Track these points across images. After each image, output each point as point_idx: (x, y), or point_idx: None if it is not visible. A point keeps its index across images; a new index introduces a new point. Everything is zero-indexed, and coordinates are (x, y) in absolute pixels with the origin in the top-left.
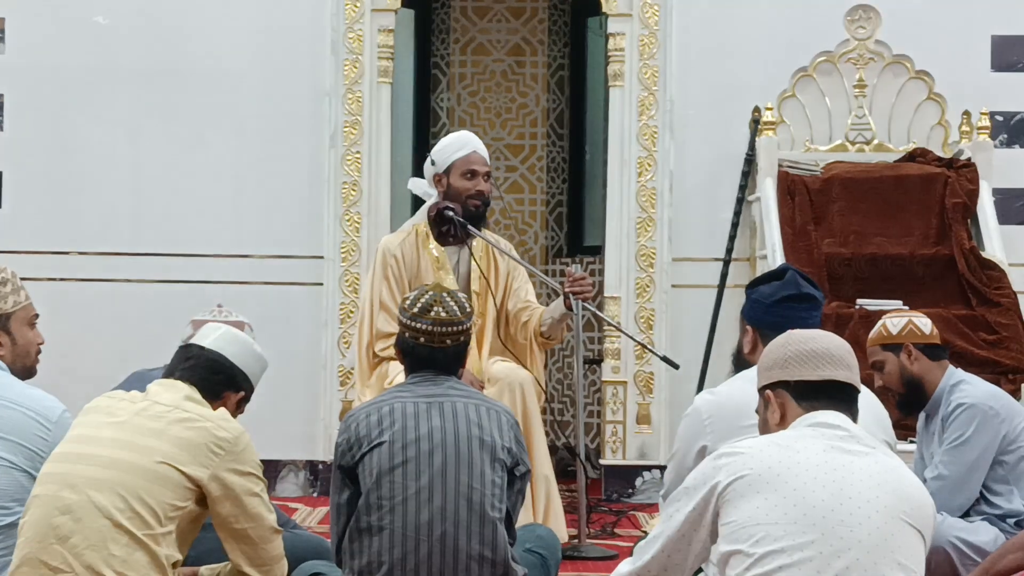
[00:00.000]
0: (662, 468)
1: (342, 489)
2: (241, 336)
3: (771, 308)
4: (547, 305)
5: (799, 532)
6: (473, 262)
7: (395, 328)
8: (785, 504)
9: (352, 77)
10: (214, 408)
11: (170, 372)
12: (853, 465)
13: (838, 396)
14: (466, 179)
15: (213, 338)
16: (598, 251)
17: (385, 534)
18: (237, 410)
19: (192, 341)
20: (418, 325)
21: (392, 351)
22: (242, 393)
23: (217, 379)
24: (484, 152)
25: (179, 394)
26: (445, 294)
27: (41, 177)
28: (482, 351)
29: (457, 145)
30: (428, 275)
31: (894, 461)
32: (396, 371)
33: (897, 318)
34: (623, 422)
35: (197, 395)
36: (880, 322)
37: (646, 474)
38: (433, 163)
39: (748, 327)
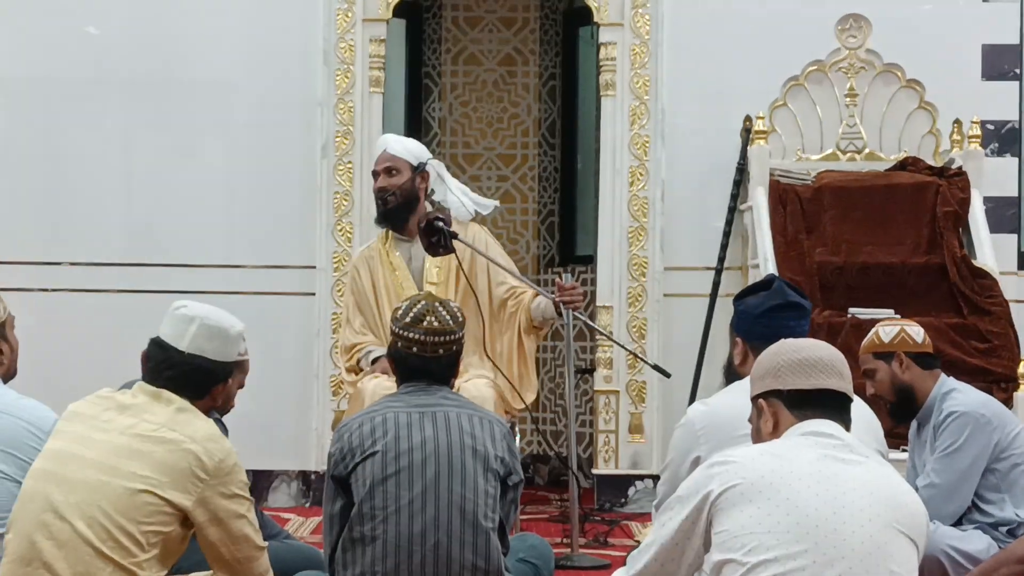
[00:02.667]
0: (655, 477)
1: (335, 499)
2: (216, 328)
3: (759, 319)
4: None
5: (792, 541)
6: (428, 261)
7: (355, 340)
8: (778, 513)
9: (344, 87)
10: (205, 403)
11: (153, 377)
12: (846, 474)
13: (831, 405)
14: (374, 180)
15: (189, 339)
16: (590, 260)
17: (378, 544)
18: (232, 384)
19: (167, 340)
20: (410, 335)
21: (351, 364)
22: (231, 380)
23: (203, 382)
24: (394, 147)
25: (169, 407)
26: (437, 303)
27: (32, 188)
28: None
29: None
30: (386, 279)
31: (887, 470)
32: (368, 392)
33: (890, 326)
34: (615, 431)
35: (187, 405)
36: (873, 330)
37: (639, 483)
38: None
39: (737, 339)
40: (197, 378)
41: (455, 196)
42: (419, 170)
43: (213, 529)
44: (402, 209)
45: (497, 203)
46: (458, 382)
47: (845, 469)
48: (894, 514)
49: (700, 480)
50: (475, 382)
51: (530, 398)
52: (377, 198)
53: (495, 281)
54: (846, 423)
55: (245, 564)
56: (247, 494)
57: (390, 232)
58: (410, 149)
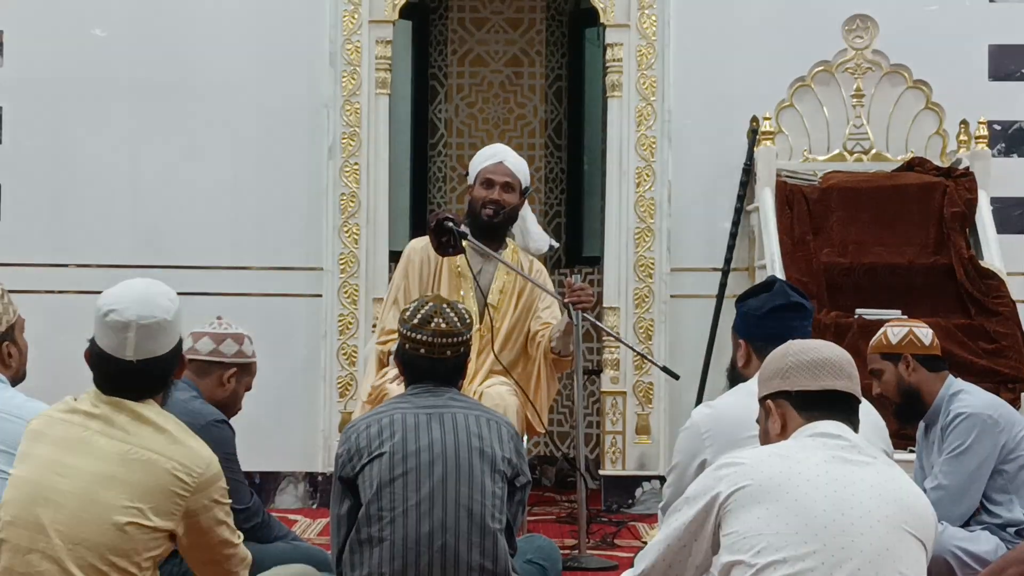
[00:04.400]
0: (662, 479)
1: (342, 500)
2: (154, 325)
3: (762, 320)
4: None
5: (801, 542)
6: (499, 279)
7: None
8: (787, 514)
9: (350, 88)
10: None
11: (106, 387)
12: (855, 475)
13: (839, 406)
14: (483, 188)
15: (133, 347)
16: (597, 262)
17: (385, 545)
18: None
19: (109, 351)
20: (418, 336)
21: (390, 346)
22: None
23: (160, 376)
24: (513, 163)
25: (137, 421)
26: (445, 305)
27: (40, 190)
28: (481, 364)
29: (484, 156)
30: (446, 280)
31: (895, 471)
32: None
33: (898, 327)
34: (622, 433)
35: (153, 412)
36: (881, 330)
37: (646, 484)
38: (466, 174)
39: (740, 340)
40: (154, 378)
41: (536, 228)
42: (525, 194)
43: (194, 536)
44: (502, 227)
45: (556, 243)
46: (479, 387)
47: (853, 470)
48: (903, 515)
49: (708, 481)
50: (497, 388)
51: (540, 425)
52: (483, 206)
53: (535, 314)
54: (854, 424)
55: (224, 563)
56: (226, 498)
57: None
58: (523, 170)
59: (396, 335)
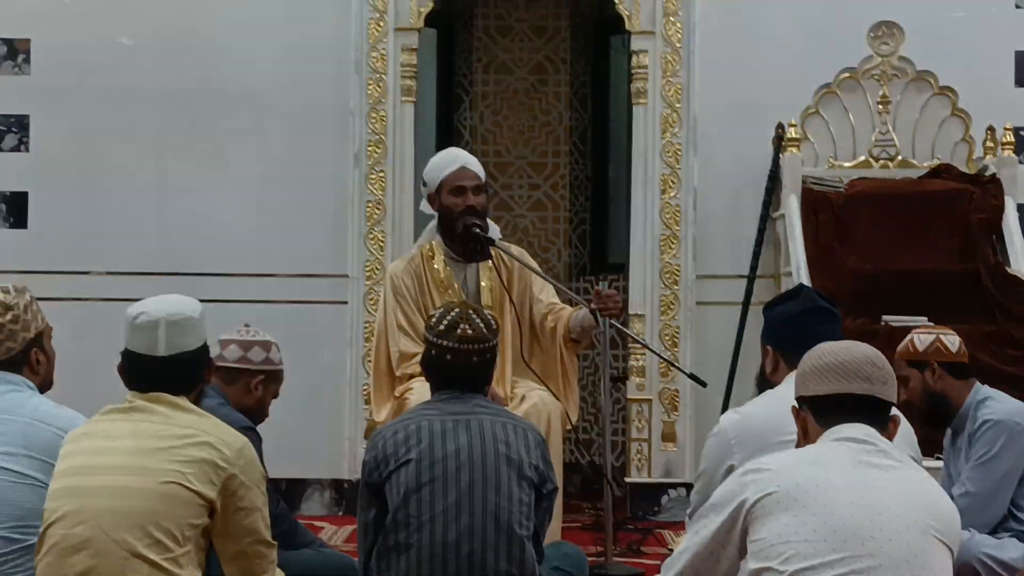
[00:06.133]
0: (688, 486)
1: (369, 507)
2: (183, 321)
3: (789, 326)
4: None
5: (829, 549)
6: (483, 278)
7: (417, 348)
8: (814, 521)
9: (376, 96)
10: (199, 386)
11: (141, 386)
12: (882, 480)
13: (858, 409)
14: (454, 196)
15: (164, 343)
16: (622, 269)
17: (412, 552)
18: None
19: (141, 351)
20: (445, 343)
21: (414, 370)
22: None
23: (193, 372)
24: (474, 166)
25: (173, 408)
26: (471, 311)
27: (66, 197)
28: (504, 369)
29: (444, 163)
30: (435, 297)
31: (922, 475)
32: (415, 400)
33: (925, 334)
34: (648, 440)
35: (186, 403)
36: (909, 336)
37: (672, 492)
38: (425, 184)
39: (768, 347)
40: (187, 373)
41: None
42: (488, 191)
43: (229, 517)
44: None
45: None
46: (522, 389)
47: (881, 475)
48: (930, 520)
49: (735, 488)
50: (540, 394)
51: (574, 417)
52: (465, 216)
53: (535, 299)
54: (880, 425)
55: (254, 559)
56: (264, 488)
57: (439, 248)
58: (480, 167)
59: (414, 358)
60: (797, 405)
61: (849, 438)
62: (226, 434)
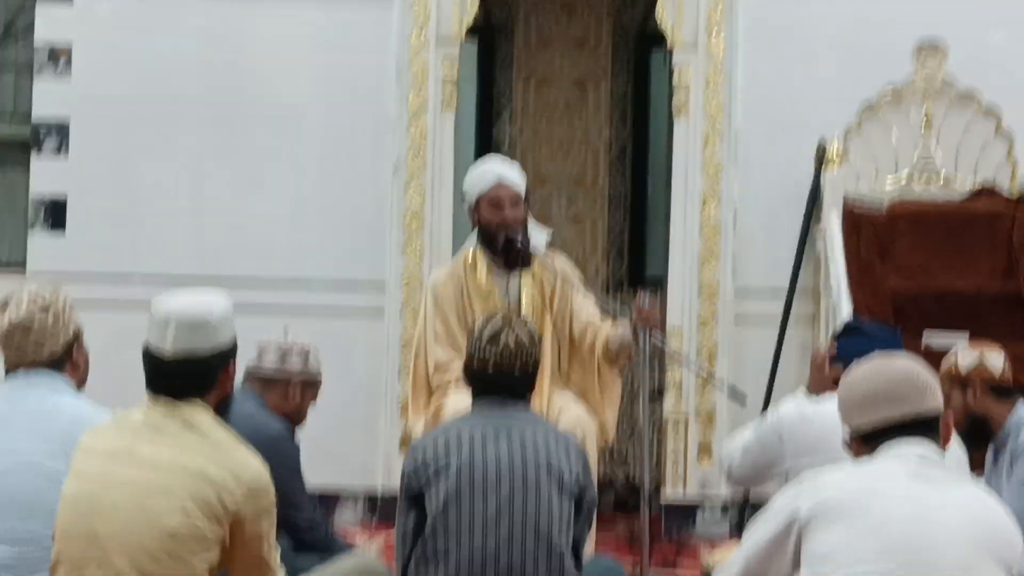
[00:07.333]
0: (724, 503)
1: (408, 515)
2: (194, 320)
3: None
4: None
5: (883, 562)
6: (525, 289)
7: (449, 356)
8: (869, 533)
9: (416, 107)
10: (215, 394)
11: (152, 387)
12: (938, 495)
13: (905, 428)
14: (492, 211)
15: (171, 341)
16: (660, 283)
17: (451, 561)
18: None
19: (152, 347)
20: (487, 352)
21: (448, 378)
22: (232, 360)
23: (201, 378)
24: (511, 176)
25: (187, 429)
26: (514, 321)
27: (104, 203)
28: (542, 382)
29: (481, 177)
30: (476, 306)
31: (979, 491)
32: (450, 411)
33: (969, 354)
34: (684, 456)
35: (202, 418)
36: (953, 352)
37: (708, 508)
38: (464, 196)
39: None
40: (193, 377)
41: (531, 224)
42: (527, 200)
43: (239, 547)
44: (525, 244)
45: (551, 231)
46: (549, 404)
47: (937, 489)
48: (986, 537)
49: (788, 497)
50: (576, 410)
51: (611, 435)
52: (500, 229)
53: (575, 313)
54: (932, 436)
55: None
56: (272, 514)
57: (481, 258)
58: (519, 178)
59: (450, 368)
60: (846, 437)
61: (905, 453)
62: (235, 464)
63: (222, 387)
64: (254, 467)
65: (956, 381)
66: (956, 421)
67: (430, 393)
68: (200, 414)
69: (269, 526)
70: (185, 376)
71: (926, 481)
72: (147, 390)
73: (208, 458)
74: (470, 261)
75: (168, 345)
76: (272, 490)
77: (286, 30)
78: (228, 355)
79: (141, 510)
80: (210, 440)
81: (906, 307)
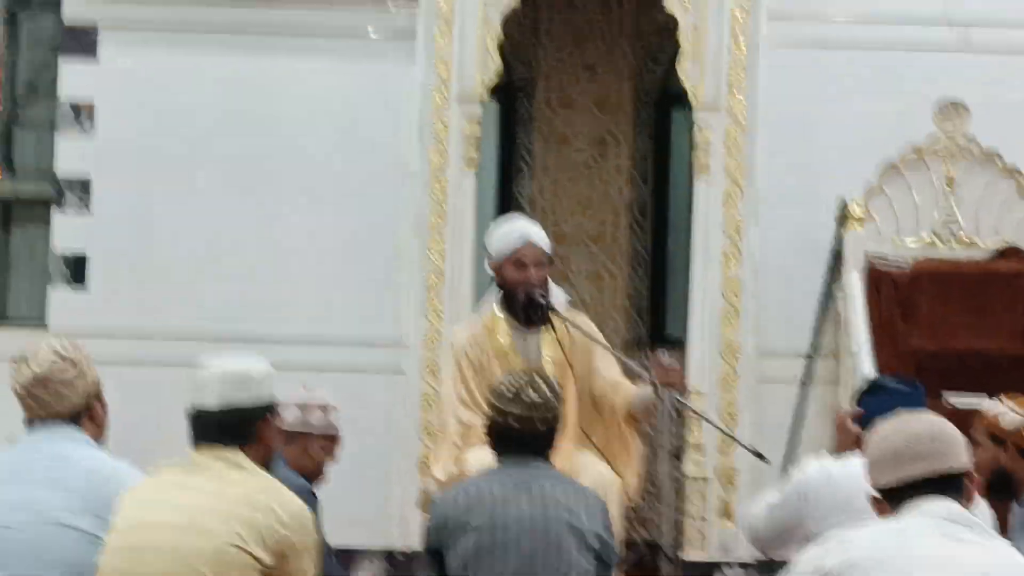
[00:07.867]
0: (745, 564)
1: (430, 571)
2: (239, 376)
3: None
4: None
5: None
6: (545, 348)
7: (470, 419)
8: None
9: (437, 164)
10: (258, 449)
11: (197, 441)
12: (965, 556)
13: (930, 486)
14: (516, 271)
15: (217, 395)
16: (680, 343)
17: None
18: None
19: (198, 405)
20: (509, 408)
21: (473, 439)
22: (273, 414)
23: (244, 425)
24: (539, 238)
25: (232, 468)
26: (536, 377)
27: (126, 260)
28: (566, 440)
29: (508, 237)
30: (498, 370)
31: (1007, 550)
32: (474, 464)
33: (1016, 416)
34: (705, 517)
35: (246, 461)
36: (998, 405)
37: (728, 570)
38: (488, 253)
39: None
40: (236, 427)
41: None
42: (551, 261)
43: None
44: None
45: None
46: (581, 460)
47: (967, 550)
48: None
49: (815, 555)
50: (598, 468)
51: (633, 494)
52: (523, 290)
53: (597, 373)
54: (956, 494)
55: None
56: (314, 556)
57: (501, 318)
58: (545, 239)
59: (473, 427)
60: (872, 494)
61: (932, 511)
62: (283, 496)
63: (265, 443)
64: (300, 503)
65: (995, 435)
66: (982, 470)
67: (454, 452)
68: (244, 459)
69: (311, 566)
70: (228, 426)
71: (955, 540)
72: (192, 445)
73: (256, 489)
74: (490, 323)
75: (212, 399)
76: (316, 532)
77: (308, 86)
78: (269, 408)
79: (191, 530)
80: (256, 477)
81: (927, 366)
